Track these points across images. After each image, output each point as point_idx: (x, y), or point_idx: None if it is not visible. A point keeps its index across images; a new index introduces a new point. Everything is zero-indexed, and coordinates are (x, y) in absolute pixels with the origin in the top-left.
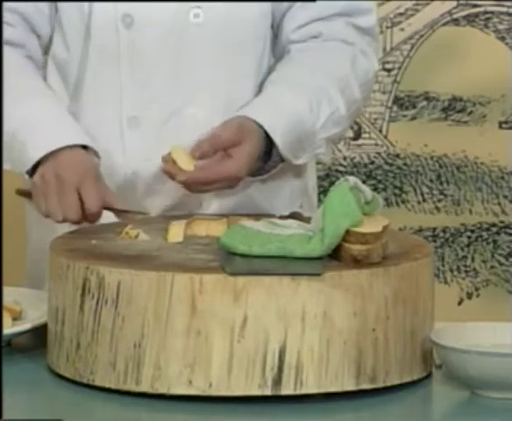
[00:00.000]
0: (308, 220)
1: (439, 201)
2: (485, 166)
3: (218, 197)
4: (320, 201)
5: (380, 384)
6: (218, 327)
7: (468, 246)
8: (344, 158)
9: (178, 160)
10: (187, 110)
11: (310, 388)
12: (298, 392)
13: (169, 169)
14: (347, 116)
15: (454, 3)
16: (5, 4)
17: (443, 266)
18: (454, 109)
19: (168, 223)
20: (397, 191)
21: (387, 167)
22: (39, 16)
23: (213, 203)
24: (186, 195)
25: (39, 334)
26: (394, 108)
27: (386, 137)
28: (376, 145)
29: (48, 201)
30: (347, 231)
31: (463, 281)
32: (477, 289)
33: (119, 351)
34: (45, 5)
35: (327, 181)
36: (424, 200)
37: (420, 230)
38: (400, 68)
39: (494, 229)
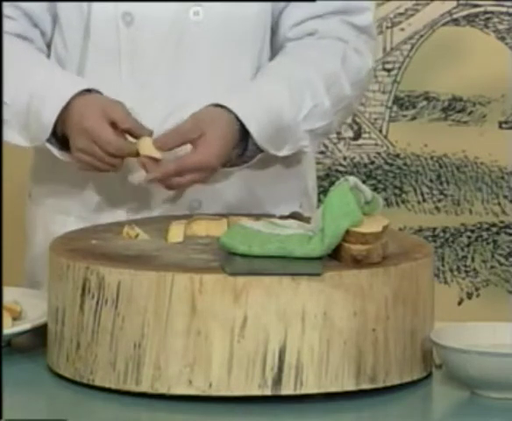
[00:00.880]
0: (308, 220)
1: (439, 201)
2: (485, 166)
3: (218, 197)
4: (320, 201)
5: (380, 384)
6: (218, 327)
7: (468, 246)
8: (344, 158)
9: (145, 151)
10: (186, 108)
11: (310, 388)
12: (298, 392)
13: (144, 162)
14: (334, 111)
15: (454, 3)
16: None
17: (443, 266)
18: (454, 109)
19: (168, 223)
20: (397, 191)
21: (387, 167)
22: (41, 12)
23: (213, 203)
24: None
25: (39, 334)
26: (394, 108)
27: (386, 137)
28: (376, 145)
29: (97, 159)
30: (347, 231)
31: (463, 281)
32: (477, 289)
33: (119, 351)
34: (45, 3)
35: (327, 181)
36: (424, 200)
37: (420, 230)
38: (400, 68)
39: (494, 229)
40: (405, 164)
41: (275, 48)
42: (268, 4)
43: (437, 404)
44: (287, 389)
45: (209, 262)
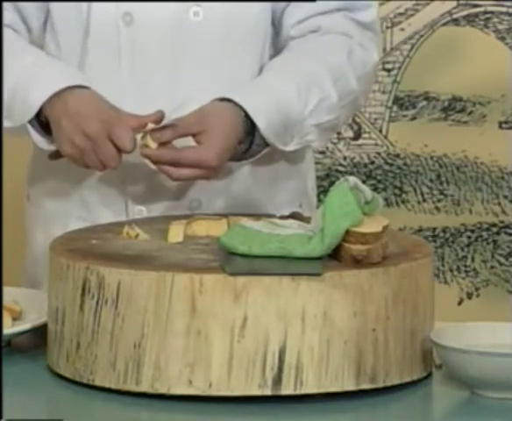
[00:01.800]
0: (308, 220)
1: (439, 201)
2: (485, 166)
3: (218, 196)
4: (320, 201)
5: (380, 384)
6: (218, 327)
7: (468, 246)
8: (344, 158)
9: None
10: (187, 108)
11: (310, 388)
12: (298, 392)
13: (146, 151)
14: (341, 105)
15: (454, 3)
16: None
17: (443, 266)
18: (454, 109)
19: (168, 223)
20: (397, 191)
21: (387, 167)
22: (31, 9)
23: (213, 203)
24: (185, 188)
25: (39, 334)
26: (394, 108)
27: (386, 137)
28: (376, 145)
29: (88, 162)
30: (347, 231)
31: (463, 281)
32: (477, 289)
33: (119, 351)
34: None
35: (327, 181)
36: (424, 200)
37: (420, 230)
38: (400, 68)
39: (494, 229)
40: (405, 164)
41: (279, 48)
42: (268, 4)
43: (437, 404)
44: (287, 389)
45: (209, 262)
